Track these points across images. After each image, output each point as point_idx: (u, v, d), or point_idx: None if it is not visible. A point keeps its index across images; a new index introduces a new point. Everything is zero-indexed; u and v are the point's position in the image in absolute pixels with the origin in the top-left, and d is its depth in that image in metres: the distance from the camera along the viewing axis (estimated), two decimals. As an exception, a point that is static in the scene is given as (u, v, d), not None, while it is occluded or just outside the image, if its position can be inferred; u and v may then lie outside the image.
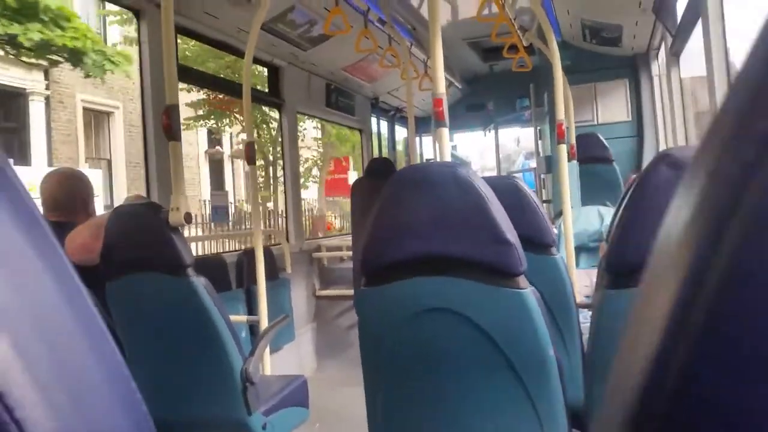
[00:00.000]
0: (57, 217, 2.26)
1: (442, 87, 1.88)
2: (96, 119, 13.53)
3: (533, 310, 1.33)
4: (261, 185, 14.02)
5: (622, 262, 1.34)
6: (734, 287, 0.20)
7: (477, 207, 1.33)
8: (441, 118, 1.87)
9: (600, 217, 4.41)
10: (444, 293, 1.37)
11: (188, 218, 2.07)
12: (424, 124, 7.10)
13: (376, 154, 6.48)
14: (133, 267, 2.01)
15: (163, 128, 2.16)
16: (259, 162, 13.58)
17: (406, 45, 4.10)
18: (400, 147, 7.93)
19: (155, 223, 2.02)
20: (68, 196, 2.34)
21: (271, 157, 14.24)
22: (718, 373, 0.20)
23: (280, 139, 4.80)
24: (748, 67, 0.21)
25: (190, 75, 4.19)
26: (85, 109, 12.92)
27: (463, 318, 1.36)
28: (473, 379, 1.39)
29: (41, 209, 1.55)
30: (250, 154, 3.09)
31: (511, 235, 1.34)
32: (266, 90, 4.67)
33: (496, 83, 6.98)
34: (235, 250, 4.10)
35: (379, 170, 4.14)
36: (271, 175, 14.58)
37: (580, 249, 4.03)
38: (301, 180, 6.82)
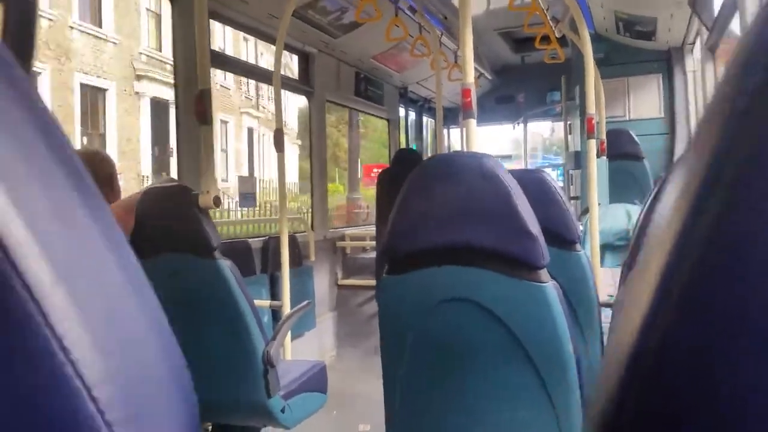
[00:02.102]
0: None
1: (471, 76, 1.87)
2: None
3: (553, 304, 1.33)
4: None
5: None
6: (713, 258, 0.22)
7: (502, 198, 1.33)
8: (469, 108, 1.86)
9: (627, 216, 4.35)
10: (465, 283, 1.37)
11: (217, 201, 2.11)
12: (453, 115, 7.07)
13: (403, 144, 6.47)
14: (163, 247, 2.05)
15: (195, 113, 2.19)
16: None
17: (436, 34, 4.08)
18: (428, 138, 7.89)
19: (185, 205, 2.06)
20: (93, 175, 2.38)
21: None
22: (697, 335, 0.21)
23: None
24: (732, 60, 0.23)
25: (222, 60, 4.22)
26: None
27: (484, 309, 1.36)
28: (491, 369, 1.39)
29: None
30: (278, 141, 3.11)
31: (535, 228, 1.34)
32: (296, 77, 4.69)
33: (527, 75, 6.90)
34: (259, 235, 4.15)
35: (405, 160, 4.14)
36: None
37: (605, 247, 3.99)
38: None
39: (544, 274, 1.34)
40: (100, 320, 0.29)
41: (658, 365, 0.22)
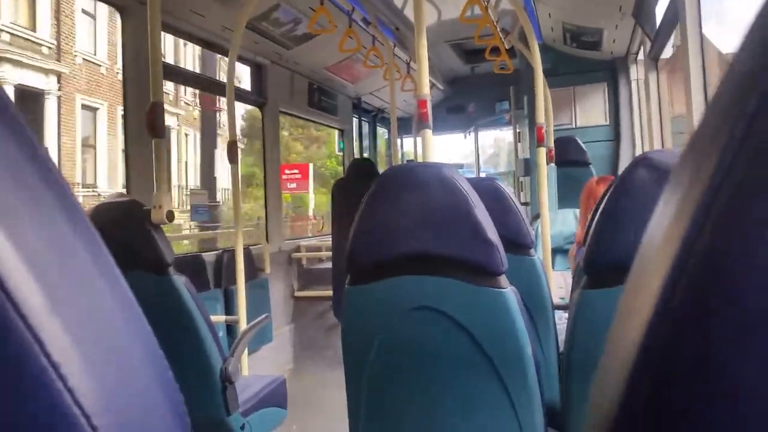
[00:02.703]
0: None
1: (426, 88, 1.89)
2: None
3: (514, 309, 1.35)
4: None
5: (600, 262, 1.36)
6: (713, 276, 0.22)
7: (461, 207, 1.35)
8: (425, 119, 1.88)
9: (576, 220, 4.47)
10: (428, 292, 1.39)
11: (170, 216, 2.07)
12: (405, 125, 7.12)
13: (356, 154, 6.48)
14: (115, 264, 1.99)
15: (147, 125, 2.15)
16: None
17: (390, 45, 4.12)
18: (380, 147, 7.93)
19: (137, 220, 2.01)
20: None
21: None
22: (697, 354, 0.22)
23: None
24: (721, 84, 0.24)
25: (174, 72, 4.16)
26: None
27: (446, 317, 1.38)
28: (455, 377, 1.41)
29: None
30: (232, 153, 3.08)
31: (494, 235, 1.37)
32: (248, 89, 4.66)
33: (477, 85, 7.02)
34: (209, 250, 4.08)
35: (360, 171, 4.15)
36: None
37: (555, 251, 4.09)
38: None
39: (503, 279, 1.37)
40: (95, 348, 0.29)
41: (661, 374, 0.23)
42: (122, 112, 3.16)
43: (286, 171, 14.61)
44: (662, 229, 0.25)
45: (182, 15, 3.33)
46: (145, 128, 2.19)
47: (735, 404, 0.21)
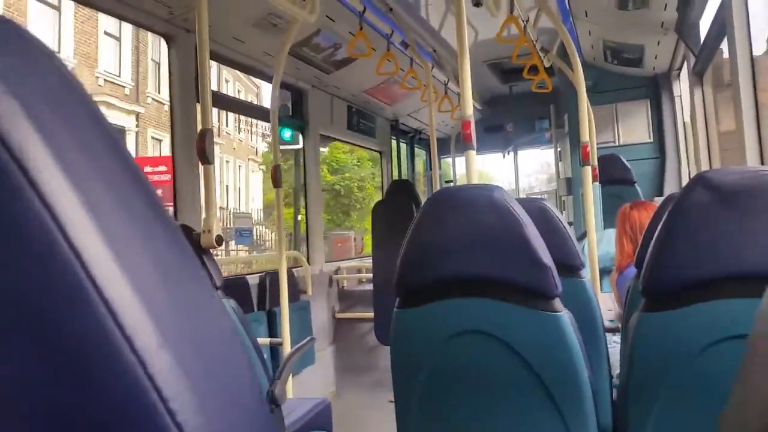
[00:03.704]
0: None
1: (470, 108, 1.89)
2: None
3: (569, 333, 1.33)
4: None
5: (660, 285, 1.33)
6: None
7: (513, 230, 1.34)
8: (469, 140, 1.88)
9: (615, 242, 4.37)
10: (480, 315, 1.37)
11: (219, 240, 2.10)
12: (443, 145, 7.11)
13: (395, 176, 6.50)
14: None
15: (197, 152, 2.19)
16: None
17: (428, 67, 4.13)
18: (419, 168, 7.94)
19: None
20: None
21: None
22: None
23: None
24: None
25: (221, 100, 4.25)
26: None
27: (499, 340, 1.36)
28: (507, 401, 1.38)
29: None
30: (276, 176, 3.11)
31: (547, 258, 1.35)
32: (290, 114, 4.73)
33: (515, 104, 6.98)
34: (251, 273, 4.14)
35: (399, 192, 4.16)
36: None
37: (603, 271, 4.01)
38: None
39: (557, 303, 1.34)
40: (199, 372, 0.30)
41: None
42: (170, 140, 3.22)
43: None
44: None
45: (226, 42, 3.40)
46: (192, 154, 2.23)
47: None
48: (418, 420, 1.48)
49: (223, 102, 4.33)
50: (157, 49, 16.70)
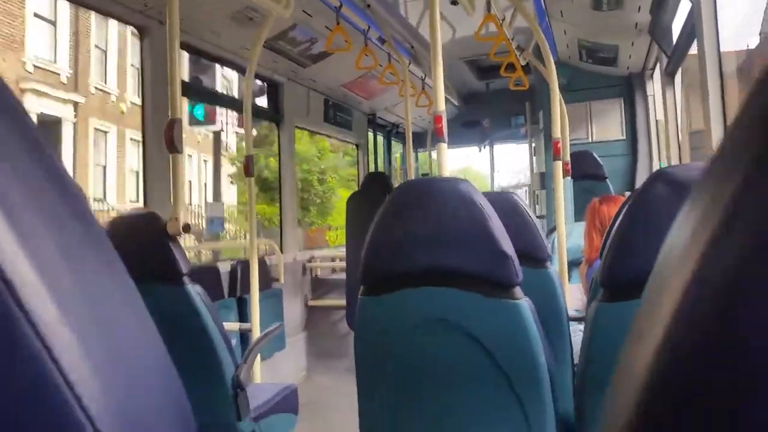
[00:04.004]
0: None
1: (442, 104, 1.92)
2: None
3: (528, 320, 1.35)
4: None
5: (617, 276, 1.36)
6: (736, 292, 0.21)
7: (477, 221, 1.36)
8: (440, 134, 1.91)
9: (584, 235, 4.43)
10: (442, 304, 1.39)
11: (186, 228, 2.10)
12: (419, 139, 7.16)
13: (372, 168, 6.53)
14: (132, 275, 2.02)
15: (165, 141, 2.19)
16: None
17: (405, 63, 4.15)
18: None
19: (154, 232, 2.05)
20: None
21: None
22: (722, 376, 0.21)
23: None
24: (745, 102, 0.23)
25: (192, 90, 4.22)
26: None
27: (460, 328, 1.38)
28: (467, 388, 1.41)
29: None
30: (248, 166, 3.12)
31: (508, 248, 1.37)
32: (266, 106, 4.72)
33: (492, 101, 7.05)
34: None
35: (375, 184, 4.19)
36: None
37: (572, 263, 4.07)
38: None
39: (518, 291, 1.37)
40: (104, 355, 0.30)
41: (673, 401, 0.22)
42: (141, 130, 3.20)
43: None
44: (679, 249, 0.24)
45: (201, 34, 3.39)
46: (162, 144, 2.23)
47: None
48: (381, 406, 1.50)
49: (195, 93, 4.29)
50: (103, 36, 15.98)
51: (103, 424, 0.29)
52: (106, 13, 2.99)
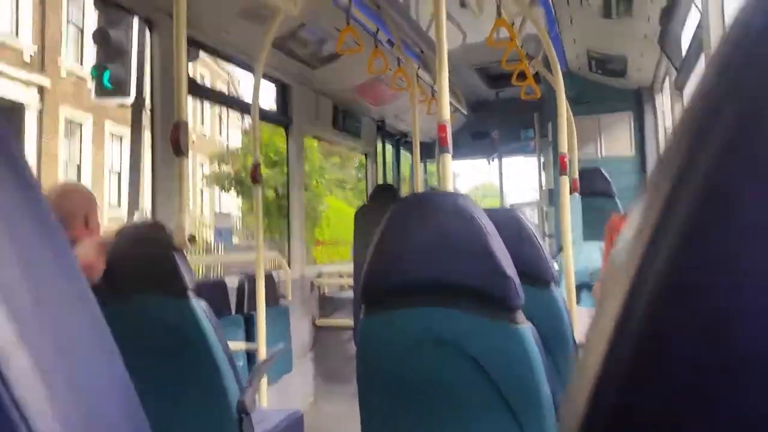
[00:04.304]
0: None
1: (446, 113, 1.89)
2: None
3: (529, 346, 1.32)
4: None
5: None
6: (671, 290, 0.22)
7: (476, 238, 1.34)
8: (445, 144, 1.88)
9: (602, 254, 4.35)
10: (441, 325, 1.37)
11: (192, 240, 2.07)
12: (429, 149, 7.11)
13: (380, 179, 6.45)
14: (135, 288, 2.00)
15: (171, 144, 2.16)
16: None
17: (414, 67, 4.11)
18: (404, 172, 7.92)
19: (159, 244, 2.02)
20: (65, 211, 2.32)
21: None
22: (656, 374, 0.22)
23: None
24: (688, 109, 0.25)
25: (200, 90, 4.21)
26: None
27: (460, 350, 1.36)
28: (468, 412, 1.38)
29: None
30: (256, 173, 3.07)
31: (510, 268, 1.35)
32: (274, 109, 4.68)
33: (502, 111, 6.98)
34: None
35: (382, 197, 4.12)
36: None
37: (581, 286, 3.98)
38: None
39: (519, 315, 1.34)
40: (62, 384, 0.29)
41: (622, 392, 0.23)
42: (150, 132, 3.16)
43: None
44: (625, 245, 0.26)
45: (210, 31, 3.34)
46: (169, 147, 2.21)
47: (698, 422, 0.21)
48: (382, 427, 1.48)
49: (201, 93, 4.27)
50: (77, 10, 13.95)
51: None
52: (113, 3, 2.95)
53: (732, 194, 0.21)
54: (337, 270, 5.32)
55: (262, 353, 2.92)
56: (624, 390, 0.23)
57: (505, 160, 7.75)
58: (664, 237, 0.23)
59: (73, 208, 2.32)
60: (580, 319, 2.75)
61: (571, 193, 3.12)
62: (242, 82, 21.46)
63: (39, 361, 0.28)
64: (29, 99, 12.81)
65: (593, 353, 0.25)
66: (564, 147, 2.93)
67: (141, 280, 2.01)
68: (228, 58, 3.85)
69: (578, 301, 3.05)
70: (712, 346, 0.21)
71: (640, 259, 0.23)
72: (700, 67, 3.25)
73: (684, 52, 3.71)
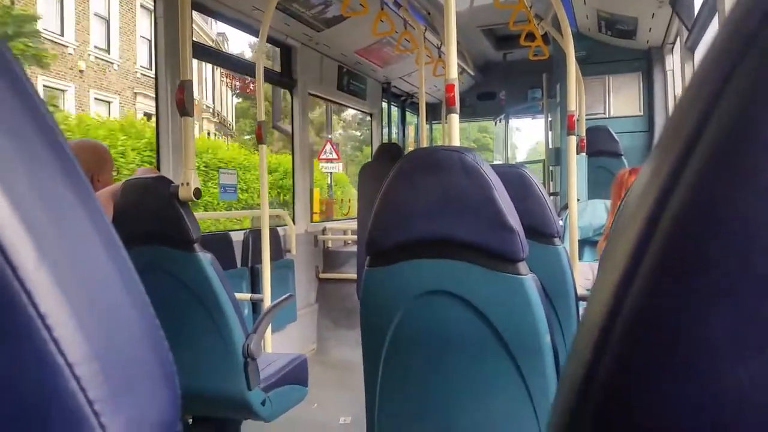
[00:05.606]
0: None
1: (454, 72, 1.88)
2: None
3: (532, 296, 1.34)
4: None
5: None
6: (681, 238, 0.22)
7: (482, 192, 1.34)
8: (452, 103, 1.88)
9: (606, 211, 4.38)
10: (446, 276, 1.39)
11: (197, 194, 2.09)
12: (435, 110, 7.09)
13: (385, 139, 6.48)
14: (141, 240, 2.03)
15: (176, 103, 2.18)
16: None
17: (420, 29, 4.08)
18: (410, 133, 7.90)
19: (164, 197, 2.04)
20: (82, 164, 2.32)
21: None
22: (658, 331, 0.22)
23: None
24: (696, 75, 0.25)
25: (204, 52, 4.19)
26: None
27: (464, 301, 1.38)
28: (471, 360, 1.41)
29: None
30: (260, 133, 3.10)
31: (515, 222, 1.35)
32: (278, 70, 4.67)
33: (509, 72, 6.94)
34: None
35: (387, 155, 4.15)
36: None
37: (585, 242, 4.02)
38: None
39: (523, 266, 1.36)
40: (83, 300, 0.30)
41: (627, 336, 0.23)
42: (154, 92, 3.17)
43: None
44: (637, 195, 0.26)
45: None
46: (173, 106, 2.22)
47: (699, 380, 0.21)
48: (384, 376, 1.51)
49: (206, 54, 4.25)
50: None
51: (80, 369, 0.28)
52: None
53: (743, 159, 0.21)
54: (341, 226, 5.37)
55: (268, 302, 2.98)
56: (628, 338, 0.23)
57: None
58: (676, 190, 0.23)
59: (90, 161, 2.33)
60: (582, 274, 2.79)
61: (577, 152, 3.11)
62: (230, 47, 21.08)
63: (60, 278, 0.29)
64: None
65: (599, 303, 0.25)
66: (572, 106, 2.92)
67: (147, 231, 2.04)
68: (231, 21, 3.82)
69: (580, 257, 3.08)
70: (721, 302, 0.21)
71: (654, 202, 0.23)
72: (713, 27, 3.20)
73: (696, 12, 3.64)
